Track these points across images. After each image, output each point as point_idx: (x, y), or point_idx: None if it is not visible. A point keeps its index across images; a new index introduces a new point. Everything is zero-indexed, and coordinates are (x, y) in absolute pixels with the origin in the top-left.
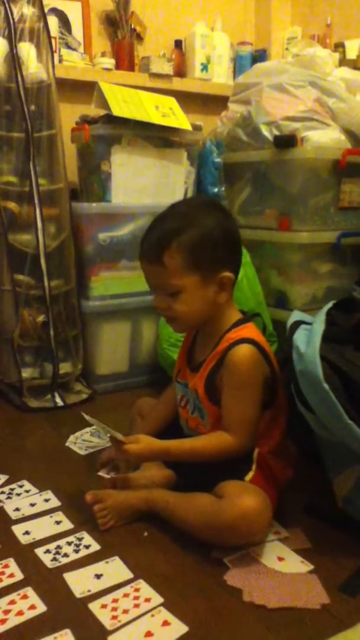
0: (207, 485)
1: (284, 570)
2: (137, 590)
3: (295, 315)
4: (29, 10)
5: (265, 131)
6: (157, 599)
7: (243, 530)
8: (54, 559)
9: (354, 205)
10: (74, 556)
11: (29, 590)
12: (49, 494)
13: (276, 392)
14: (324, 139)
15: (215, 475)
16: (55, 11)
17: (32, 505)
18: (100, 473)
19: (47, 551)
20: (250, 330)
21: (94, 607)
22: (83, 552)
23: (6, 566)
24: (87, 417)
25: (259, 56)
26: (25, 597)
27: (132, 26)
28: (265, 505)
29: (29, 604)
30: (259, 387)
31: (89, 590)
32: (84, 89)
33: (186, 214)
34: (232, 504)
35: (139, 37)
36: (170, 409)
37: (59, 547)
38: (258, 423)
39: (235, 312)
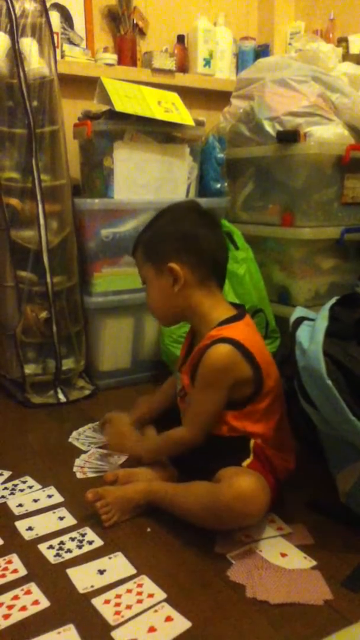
0: (206, 476)
1: (286, 566)
2: (140, 585)
3: (298, 311)
4: (30, 6)
5: (268, 126)
6: (160, 594)
7: (239, 511)
8: (57, 555)
9: (357, 201)
10: (77, 552)
11: (33, 586)
12: (52, 490)
13: (261, 387)
14: (327, 134)
15: (213, 465)
16: (57, 6)
17: (35, 501)
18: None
19: (51, 547)
20: (234, 329)
21: (97, 602)
22: (86, 548)
23: (10, 562)
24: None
25: (262, 51)
26: (28, 592)
27: (135, 21)
28: (261, 486)
29: (33, 600)
30: (224, 389)
31: (92, 586)
32: (86, 85)
33: (159, 215)
34: (228, 486)
35: (142, 32)
36: (167, 398)
37: (62, 542)
38: (214, 420)
39: (224, 310)
